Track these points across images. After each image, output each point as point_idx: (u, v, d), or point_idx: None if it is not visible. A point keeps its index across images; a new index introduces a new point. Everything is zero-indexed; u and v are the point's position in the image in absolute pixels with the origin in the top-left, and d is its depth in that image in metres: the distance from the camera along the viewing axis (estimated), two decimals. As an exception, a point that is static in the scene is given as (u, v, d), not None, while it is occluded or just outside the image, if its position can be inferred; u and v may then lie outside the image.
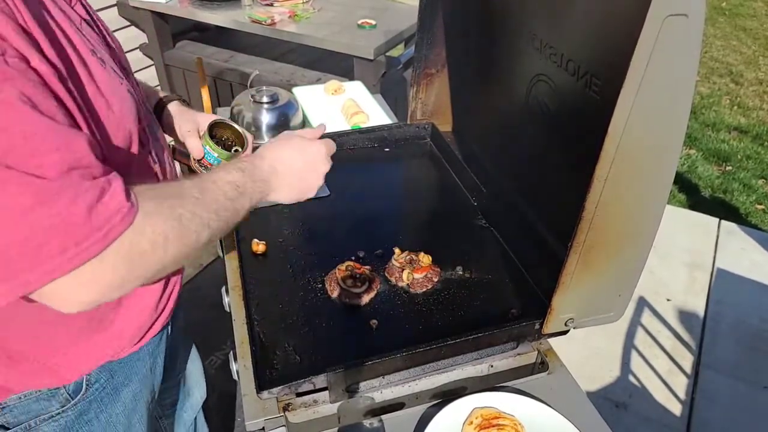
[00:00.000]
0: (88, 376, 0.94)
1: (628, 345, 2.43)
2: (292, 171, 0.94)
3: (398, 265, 1.16)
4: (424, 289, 1.14)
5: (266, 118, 1.71)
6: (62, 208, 0.60)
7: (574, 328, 1.00)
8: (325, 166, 1.00)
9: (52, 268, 0.61)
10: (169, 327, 1.10)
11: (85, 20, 0.81)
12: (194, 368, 1.43)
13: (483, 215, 1.36)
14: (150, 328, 1.00)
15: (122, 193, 0.65)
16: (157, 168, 0.93)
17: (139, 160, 0.86)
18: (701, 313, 2.63)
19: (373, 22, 2.46)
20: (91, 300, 0.67)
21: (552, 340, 1.09)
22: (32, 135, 0.59)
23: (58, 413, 0.93)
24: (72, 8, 0.79)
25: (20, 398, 0.90)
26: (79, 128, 0.68)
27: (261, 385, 0.91)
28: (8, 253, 0.59)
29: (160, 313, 1.01)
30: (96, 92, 0.73)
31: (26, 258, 0.60)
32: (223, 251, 1.24)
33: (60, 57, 0.67)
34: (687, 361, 2.38)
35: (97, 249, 0.62)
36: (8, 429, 0.91)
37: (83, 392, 0.94)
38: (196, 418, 1.54)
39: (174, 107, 1.18)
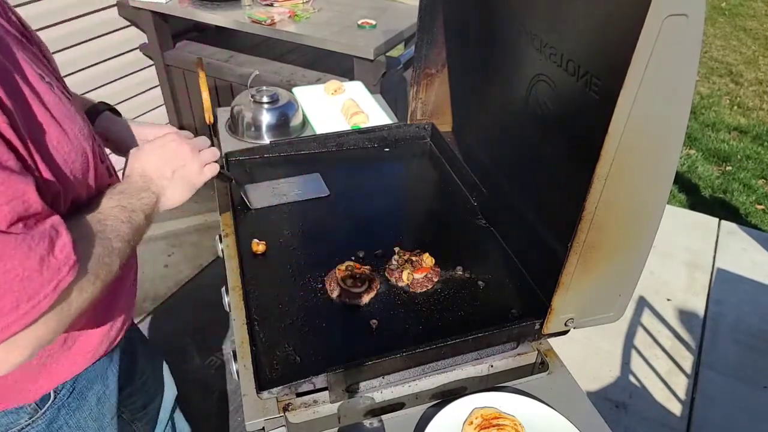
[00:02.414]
0: (55, 389, 0.94)
1: (628, 345, 2.43)
2: (162, 170, 0.94)
3: (398, 265, 1.16)
4: (424, 289, 1.14)
5: (266, 118, 1.71)
6: (17, 263, 0.58)
7: (574, 328, 1.00)
8: (190, 148, 0.99)
9: (6, 325, 0.58)
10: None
11: (23, 36, 0.79)
12: (157, 368, 1.41)
13: (483, 215, 1.36)
14: (107, 347, 1.00)
15: (70, 242, 0.64)
16: (114, 179, 0.94)
17: (98, 175, 0.85)
18: (701, 313, 2.63)
19: (373, 22, 2.46)
20: (21, 360, 0.63)
21: (552, 340, 1.09)
22: None
23: (28, 425, 0.93)
24: (9, 26, 0.75)
25: None
26: (33, 168, 0.66)
27: (261, 385, 0.91)
28: None
29: (115, 337, 1.01)
30: (50, 121, 0.71)
31: None
32: (223, 251, 1.24)
33: (12, 97, 0.64)
34: (687, 361, 2.38)
35: (47, 303, 0.61)
36: None
37: (51, 401, 0.94)
38: (174, 417, 1.53)
39: (119, 121, 1.12)
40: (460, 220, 1.36)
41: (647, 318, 2.57)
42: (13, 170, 0.60)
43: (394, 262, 1.18)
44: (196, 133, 1.19)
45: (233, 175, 1.37)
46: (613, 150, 0.77)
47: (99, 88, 2.91)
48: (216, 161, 1.06)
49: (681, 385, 2.28)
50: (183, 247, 2.91)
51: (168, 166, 0.96)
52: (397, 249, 1.21)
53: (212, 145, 1.21)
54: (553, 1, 1.07)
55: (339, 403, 0.98)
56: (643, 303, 2.64)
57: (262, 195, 1.39)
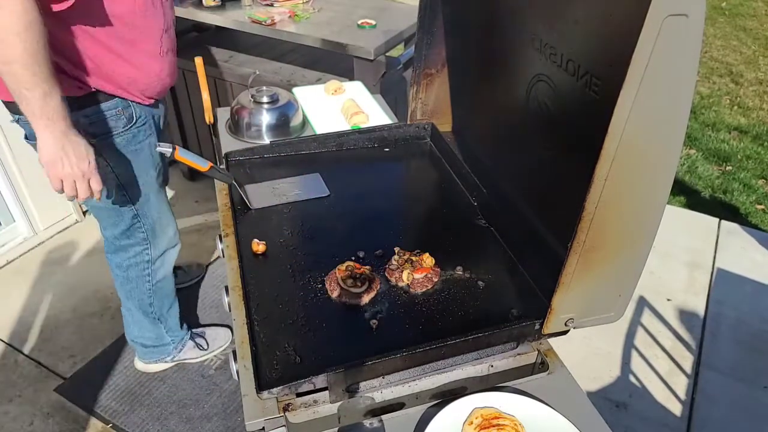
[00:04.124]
0: (137, 113, 1.58)
1: (628, 345, 2.43)
2: (61, 135, 1.30)
3: (398, 265, 1.16)
4: (424, 289, 1.14)
5: (266, 118, 1.71)
6: None
7: (574, 328, 1.00)
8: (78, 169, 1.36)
9: None
10: (163, 104, 1.73)
11: None
12: None
13: (483, 215, 1.36)
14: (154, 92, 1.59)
15: None
16: None
17: None
18: (701, 313, 2.63)
19: (373, 22, 2.46)
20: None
21: (552, 340, 1.09)
22: None
23: (123, 130, 1.58)
24: None
25: (100, 115, 1.51)
26: None
27: (261, 385, 0.91)
28: None
29: (160, 88, 1.61)
30: None
31: None
32: (223, 251, 1.24)
33: None
34: (687, 361, 2.38)
35: None
36: (95, 136, 1.49)
37: (134, 122, 1.59)
38: None
39: None
40: (460, 220, 1.36)
41: (647, 318, 2.57)
42: None
43: (394, 262, 1.18)
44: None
45: (232, 176, 1.37)
46: (613, 150, 0.77)
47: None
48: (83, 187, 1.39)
49: (681, 385, 2.28)
50: (183, 247, 2.91)
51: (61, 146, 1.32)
52: (397, 249, 1.21)
53: (214, 143, 1.37)
54: (553, 1, 1.07)
55: (339, 403, 0.98)
56: (643, 303, 2.64)
57: (262, 195, 1.39)
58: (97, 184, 1.40)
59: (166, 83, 1.63)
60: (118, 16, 1.38)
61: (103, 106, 1.51)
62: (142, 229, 1.82)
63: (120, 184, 1.66)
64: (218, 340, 2.32)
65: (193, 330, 2.32)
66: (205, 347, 2.28)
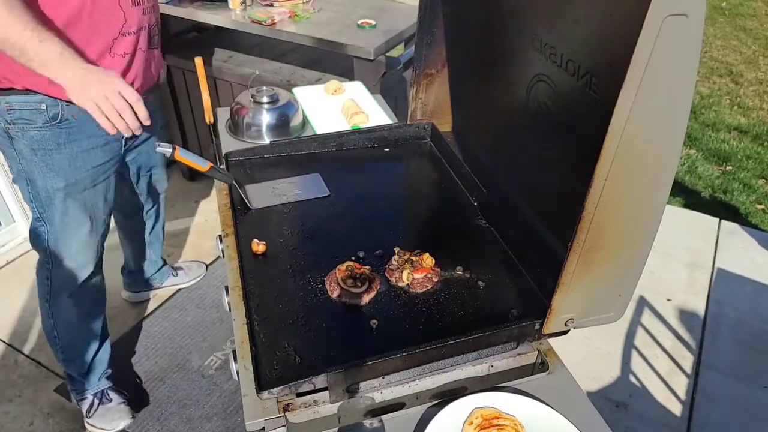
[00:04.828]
0: (62, 112, 1.51)
1: (628, 345, 2.43)
2: (79, 66, 1.31)
3: (398, 265, 1.16)
4: (424, 290, 1.14)
5: (266, 118, 1.71)
6: None
7: (574, 328, 1.00)
8: (110, 87, 1.33)
9: None
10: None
11: None
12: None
13: (483, 215, 1.36)
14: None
15: None
16: None
17: None
18: (701, 313, 2.63)
19: (373, 22, 2.46)
20: None
21: (552, 340, 1.09)
22: None
23: (42, 126, 1.51)
24: None
25: (22, 104, 1.47)
26: None
27: (261, 385, 0.91)
28: None
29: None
30: None
31: None
32: (223, 252, 1.24)
33: None
34: (687, 361, 2.38)
35: None
36: (11, 124, 1.49)
37: (58, 121, 1.52)
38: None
39: None
40: (460, 220, 1.36)
41: (647, 318, 2.57)
42: None
43: (394, 263, 1.18)
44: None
45: (232, 176, 1.37)
46: (613, 150, 0.77)
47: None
48: (127, 110, 1.35)
49: (681, 385, 2.28)
50: (183, 247, 2.91)
51: (84, 71, 1.32)
52: (397, 249, 1.21)
53: (214, 143, 1.35)
54: (553, 1, 1.07)
55: (339, 403, 0.98)
56: (643, 303, 2.64)
57: (262, 195, 1.39)
58: (142, 109, 1.36)
59: None
60: (56, 16, 1.36)
61: (27, 98, 1.47)
62: (45, 236, 1.71)
63: (27, 179, 1.61)
64: None
65: None
66: None
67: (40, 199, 1.64)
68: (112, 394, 2.01)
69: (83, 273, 1.81)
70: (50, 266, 1.76)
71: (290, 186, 1.43)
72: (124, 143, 1.75)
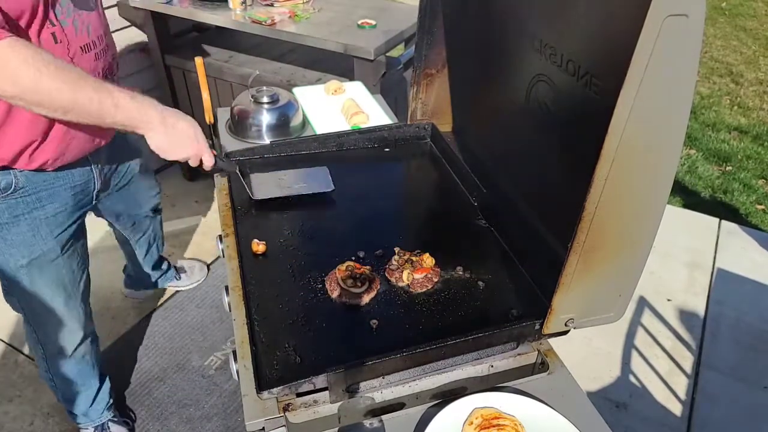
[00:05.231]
0: (16, 181, 1.31)
1: (628, 345, 2.43)
2: (173, 129, 1.22)
3: (398, 265, 1.16)
4: (424, 290, 1.14)
5: (266, 118, 1.71)
6: None
7: (574, 328, 1.00)
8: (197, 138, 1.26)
9: None
10: (96, 166, 1.50)
11: None
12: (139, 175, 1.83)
13: (483, 215, 1.36)
14: (47, 162, 1.32)
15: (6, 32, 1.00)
16: (55, 29, 1.20)
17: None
18: (701, 313, 2.63)
19: (373, 22, 2.46)
20: None
21: (552, 340, 1.09)
22: None
23: None
24: None
25: None
26: None
27: (261, 385, 0.91)
28: None
29: (62, 152, 1.33)
30: None
31: None
32: (223, 251, 1.24)
33: None
34: (687, 361, 2.38)
35: None
36: None
37: (11, 191, 1.32)
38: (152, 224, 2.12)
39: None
40: (460, 220, 1.36)
41: (647, 318, 2.57)
42: None
43: (395, 263, 1.18)
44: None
45: (237, 165, 1.36)
46: (613, 150, 0.77)
47: (99, 88, 2.90)
48: (210, 159, 1.29)
49: (681, 385, 2.28)
50: (183, 247, 2.91)
51: (176, 134, 1.23)
52: (397, 249, 1.21)
53: (212, 145, 1.31)
54: (553, 1, 1.07)
55: (339, 403, 0.98)
56: (643, 303, 2.64)
57: (265, 185, 1.38)
58: (209, 159, 1.29)
59: (80, 144, 1.37)
60: None
61: None
62: (20, 309, 1.58)
63: None
64: None
65: None
66: None
67: (4, 275, 1.48)
68: (114, 427, 1.95)
69: (75, 338, 1.69)
70: (36, 336, 1.66)
71: (295, 177, 1.42)
72: (95, 196, 1.58)
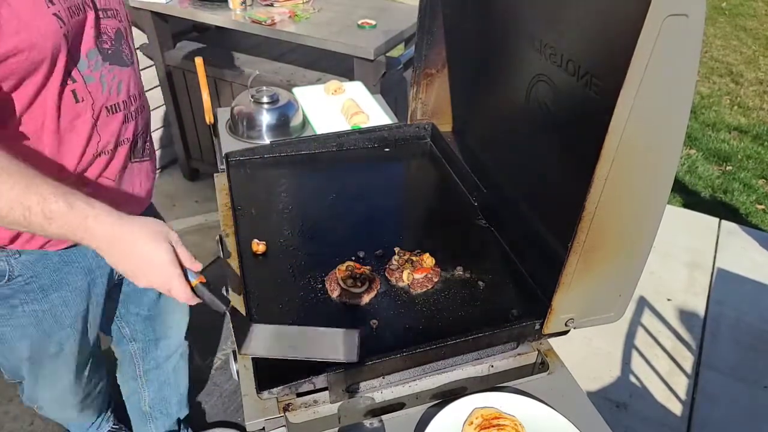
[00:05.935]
0: (10, 268, 1.12)
1: (629, 345, 2.43)
2: (130, 253, 0.89)
3: (398, 265, 1.16)
4: (424, 290, 1.14)
5: (266, 118, 1.71)
6: None
7: (574, 328, 1.00)
8: (175, 274, 0.92)
9: None
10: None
11: None
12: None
13: (483, 215, 1.36)
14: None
15: None
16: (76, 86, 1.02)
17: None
18: (701, 313, 2.63)
19: (373, 22, 2.46)
20: None
21: (552, 340, 1.09)
22: None
23: None
24: None
25: None
26: None
27: (261, 385, 0.91)
28: None
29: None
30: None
31: None
32: (223, 251, 1.24)
33: None
34: (687, 361, 2.38)
35: None
36: None
37: (5, 280, 1.14)
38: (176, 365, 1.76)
39: None
40: (460, 220, 1.36)
41: (647, 318, 2.57)
42: None
43: (395, 263, 1.17)
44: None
45: (228, 302, 0.97)
46: (613, 150, 0.77)
47: (99, 88, 2.90)
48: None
49: (681, 385, 2.28)
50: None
51: (136, 259, 0.90)
52: (397, 249, 1.21)
53: (214, 143, 1.23)
54: (553, 1, 1.07)
55: (339, 403, 0.98)
56: (643, 303, 2.64)
57: (266, 340, 0.96)
58: (181, 293, 0.93)
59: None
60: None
61: None
62: (18, 386, 1.45)
63: None
64: None
65: None
66: None
67: (3, 366, 1.35)
68: None
69: (74, 411, 1.58)
70: (33, 406, 1.54)
71: (312, 338, 0.96)
72: (114, 272, 1.33)
